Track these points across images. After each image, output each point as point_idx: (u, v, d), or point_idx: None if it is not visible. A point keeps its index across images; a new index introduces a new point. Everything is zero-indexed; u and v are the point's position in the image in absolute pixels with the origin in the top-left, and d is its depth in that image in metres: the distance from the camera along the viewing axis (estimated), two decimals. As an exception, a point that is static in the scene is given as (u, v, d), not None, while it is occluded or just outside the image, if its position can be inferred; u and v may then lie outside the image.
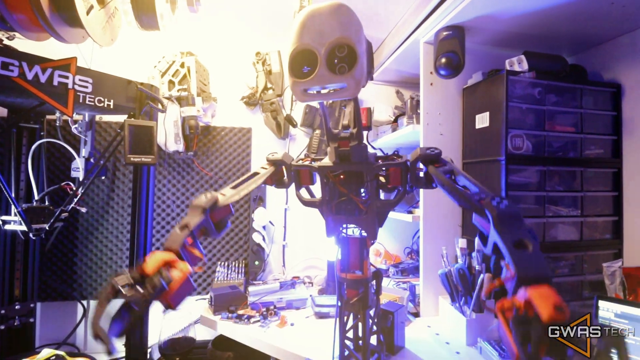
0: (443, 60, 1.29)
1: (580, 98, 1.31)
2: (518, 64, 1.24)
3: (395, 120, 1.75)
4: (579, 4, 1.13)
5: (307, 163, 0.92)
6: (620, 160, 1.34)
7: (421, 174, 0.81)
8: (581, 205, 1.29)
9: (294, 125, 1.77)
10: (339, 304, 0.97)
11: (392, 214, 1.35)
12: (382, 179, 0.88)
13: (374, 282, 0.97)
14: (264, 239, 1.76)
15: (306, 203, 0.94)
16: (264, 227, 1.77)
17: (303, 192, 0.95)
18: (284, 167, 0.93)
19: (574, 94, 1.31)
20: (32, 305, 1.37)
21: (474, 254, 1.21)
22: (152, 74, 1.66)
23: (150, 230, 1.34)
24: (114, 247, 1.70)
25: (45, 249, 1.53)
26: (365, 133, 0.84)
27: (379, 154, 0.93)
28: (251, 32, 1.83)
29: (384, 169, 0.86)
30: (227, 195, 0.71)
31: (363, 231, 0.93)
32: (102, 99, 1.19)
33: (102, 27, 1.05)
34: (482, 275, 1.13)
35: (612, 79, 1.38)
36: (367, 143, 0.86)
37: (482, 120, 1.31)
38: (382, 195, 0.91)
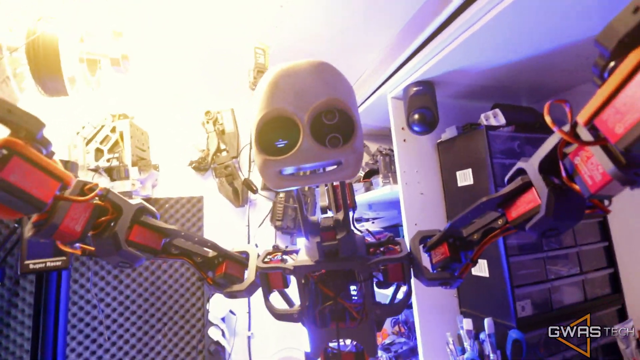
0: (416, 116, 1.19)
1: (556, 148, 1.26)
2: (494, 117, 1.18)
3: (367, 177, 1.61)
4: (543, 56, 1.12)
5: (277, 260, 0.71)
6: (603, 208, 1.29)
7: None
8: (579, 261, 1.19)
9: (254, 191, 1.54)
10: None
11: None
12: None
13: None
14: (223, 334, 1.42)
15: (280, 316, 0.70)
16: (222, 319, 1.44)
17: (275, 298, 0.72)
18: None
19: (549, 144, 1.27)
20: None
21: (482, 336, 1.02)
22: (74, 142, 1.36)
23: (62, 353, 0.97)
24: (14, 372, 1.24)
25: None
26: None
27: (368, 237, 0.75)
28: (198, 89, 1.63)
29: (382, 266, 0.67)
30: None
31: (358, 343, 0.71)
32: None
33: (-12, 95, 0.78)
34: (501, 368, 0.93)
35: (577, 126, 1.38)
36: (353, 228, 0.67)
37: (465, 178, 1.20)
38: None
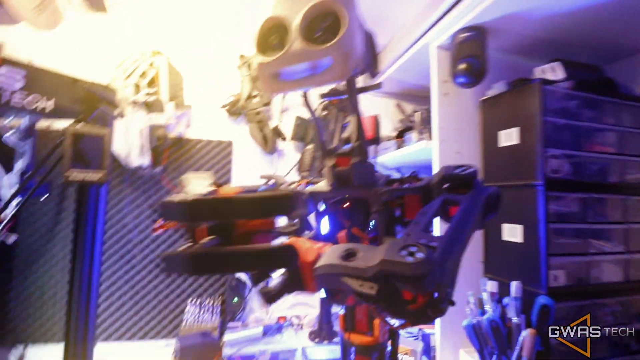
0: (463, 65, 1.10)
1: (619, 114, 1.13)
2: (552, 71, 1.06)
3: (400, 136, 1.54)
4: (615, 5, 0.96)
5: (299, 188, 0.71)
6: (664, 186, 1.15)
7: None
8: (625, 239, 1.09)
9: (283, 139, 1.53)
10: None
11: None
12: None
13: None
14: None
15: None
16: (245, 258, 1.50)
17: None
18: None
19: (611, 110, 1.13)
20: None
21: (506, 300, 0.97)
22: (115, 75, 1.40)
23: (97, 266, 1.05)
24: (59, 281, 1.38)
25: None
26: (372, 148, 0.63)
27: (395, 175, 0.72)
28: (234, 31, 1.60)
29: (397, 195, 0.63)
30: None
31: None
32: (38, 98, 0.92)
33: (35, 7, 0.80)
34: (523, 332, 0.89)
35: (648, 93, 1.21)
36: (374, 162, 0.64)
37: (509, 137, 1.10)
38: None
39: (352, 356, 0.69)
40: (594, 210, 1.07)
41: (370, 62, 0.55)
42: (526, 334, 0.87)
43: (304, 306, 1.61)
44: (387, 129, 1.79)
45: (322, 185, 0.64)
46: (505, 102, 1.15)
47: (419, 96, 1.79)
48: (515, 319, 0.92)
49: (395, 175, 0.71)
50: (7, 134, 1.11)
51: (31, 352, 1.37)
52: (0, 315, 1.33)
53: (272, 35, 0.45)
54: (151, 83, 1.40)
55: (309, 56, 0.42)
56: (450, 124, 1.23)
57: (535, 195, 0.99)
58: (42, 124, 1.32)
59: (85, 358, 1.06)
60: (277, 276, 0.54)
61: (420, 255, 0.34)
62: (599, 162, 1.10)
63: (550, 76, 1.06)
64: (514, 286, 0.93)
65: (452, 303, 0.39)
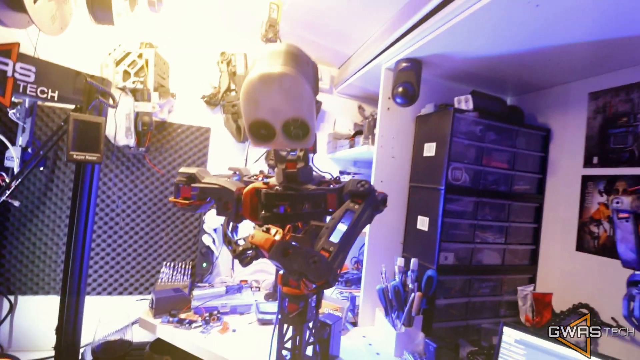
0: (400, 89, 1.37)
1: (515, 138, 1.46)
2: (465, 102, 1.36)
3: (354, 136, 1.82)
4: (521, 55, 1.26)
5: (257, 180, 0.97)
6: (542, 196, 1.51)
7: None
8: (506, 234, 1.45)
9: (255, 131, 1.76)
10: (279, 316, 1.02)
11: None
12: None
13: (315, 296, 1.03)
14: (214, 242, 1.75)
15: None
16: (215, 230, 1.76)
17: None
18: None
19: (510, 134, 1.46)
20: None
21: (409, 273, 1.31)
22: (106, 62, 1.56)
23: (90, 232, 1.28)
24: (49, 241, 1.59)
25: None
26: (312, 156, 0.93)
27: (327, 176, 1.00)
28: (217, 30, 1.80)
29: (322, 193, 0.91)
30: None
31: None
32: (46, 90, 1.11)
33: (51, 17, 0.99)
34: (413, 294, 1.23)
35: (544, 123, 1.55)
36: (312, 165, 0.92)
37: (430, 150, 1.41)
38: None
39: (286, 304, 0.99)
40: (485, 210, 1.41)
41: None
42: (415, 295, 1.21)
43: (264, 273, 1.91)
44: (348, 127, 2.06)
45: (273, 180, 0.91)
46: (431, 122, 1.45)
47: (377, 100, 2.07)
48: (411, 285, 1.25)
49: (328, 176, 0.99)
50: (12, 111, 1.28)
51: (22, 301, 1.59)
52: (-6, 267, 1.54)
53: (261, 129, 0.65)
54: (139, 72, 1.58)
55: (288, 146, 0.67)
56: (390, 133, 1.52)
57: (438, 197, 1.31)
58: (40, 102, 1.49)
59: (79, 307, 1.31)
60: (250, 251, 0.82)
61: (318, 264, 0.63)
62: (493, 174, 1.43)
63: (463, 106, 1.36)
64: (412, 262, 1.26)
65: (337, 280, 0.70)
